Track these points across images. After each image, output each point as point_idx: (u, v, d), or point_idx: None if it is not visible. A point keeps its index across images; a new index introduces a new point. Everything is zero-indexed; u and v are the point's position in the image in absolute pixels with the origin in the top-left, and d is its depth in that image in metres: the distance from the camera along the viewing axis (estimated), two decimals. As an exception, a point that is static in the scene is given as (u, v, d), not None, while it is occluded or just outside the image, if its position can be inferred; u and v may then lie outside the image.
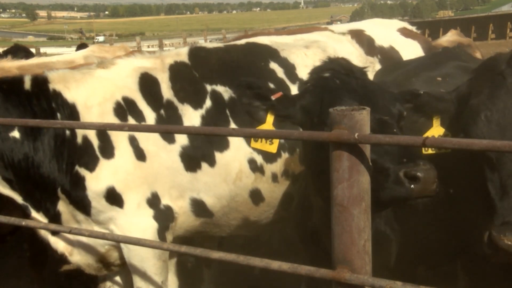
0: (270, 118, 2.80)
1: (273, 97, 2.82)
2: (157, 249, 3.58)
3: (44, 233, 3.82)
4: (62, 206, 3.66)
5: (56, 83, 3.72)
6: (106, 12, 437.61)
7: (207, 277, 5.06)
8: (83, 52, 7.71)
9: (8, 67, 5.83)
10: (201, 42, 37.90)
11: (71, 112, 3.65)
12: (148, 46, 38.04)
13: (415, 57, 5.46)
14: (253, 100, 2.80)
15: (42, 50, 26.98)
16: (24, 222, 3.20)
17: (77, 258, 3.83)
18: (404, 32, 5.82)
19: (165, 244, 2.86)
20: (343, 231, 2.12)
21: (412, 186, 2.32)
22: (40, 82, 3.71)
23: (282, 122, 2.82)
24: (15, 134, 3.55)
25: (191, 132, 3.51)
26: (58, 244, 3.81)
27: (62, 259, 3.90)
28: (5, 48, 10.01)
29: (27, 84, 3.69)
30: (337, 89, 2.71)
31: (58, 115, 3.64)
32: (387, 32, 5.66)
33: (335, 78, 2.79)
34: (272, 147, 2.82)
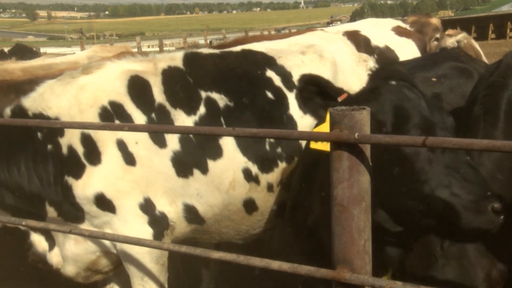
0: (329, 118, 2.77)
1: (339, 99, 2.77)
2: (156, 249, 3.56)
3: (42, 250, 3.81)
4: (49, 220, 3.62)
5: (34, 109, 3.64)
6: (106, 12, 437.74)
7: (205, 277, 5.06)
8: (86, 52, 7.71)
9: (11, 69, 5.82)
10: (201, 42, 37.91)
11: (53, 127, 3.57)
12: (148, 46, 38.04)
13: (411, 55, 5.47)
14: (316, 96, 2.76)
15: (42, 50, 26.96)
16: (24, 222, 3.20)
17: (67, 269, 3.80)
18: (399, 30, 5.84)
19: (165, 244, 2.85)
20: (343, 231, 2.12)
21: (498, 220, 2.58)
22: (18, 114, 3.65)
23: None
24: None
25: (191, 132, 3.47)
26: (52, 259, 3.81)
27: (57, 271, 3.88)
28: (9, 48, 10.01)
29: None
30: (411, 101, 2.75)
31: (39, 134, 3.59)
32: (382, 31, 5.67)
33: (404, 88, 2.77)
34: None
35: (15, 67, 5.90)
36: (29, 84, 5.45)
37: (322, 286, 3.00)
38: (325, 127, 2.75)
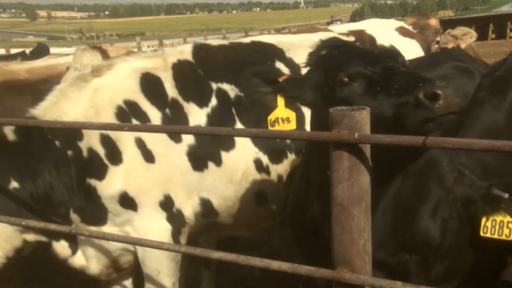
0: (281, 102, 2.76)
1: (280, 79, 2.78)
2: (158, 249, 3.56)
3: (67, 256, 3.81)
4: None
5: (49, 117, 3.59)
6: (106, 12, 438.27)
7: (206, 278, 5.05)
8: (88, 52, 7.67)
9: (16, 70, 5.82)
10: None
11: (71, 131, 3.56)
12: (148, 46, 37.94)
13: (415, 56, 5.46)
14: (260, 87, 2.77)
15: (42, 50, 26.89)
16: (24, 222, 3.20)
17: (91, 268, 3.81)
18: (402, 31, 5.83)
19: (165, 244, 2.84)
20: (343, 231, 2.12)
21: (436, 105, 2.31)
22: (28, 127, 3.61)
23: (293, 104, 2.76)
24: (14, 184, 3.52)
25: (191, 132, 3.48)
26: (76, 263, 3.81)
27: (80, 273, 3.90)
28: (31, 49, 10.02)
29: (10, 136, 3.61)
30: (338, 55, 2.71)
31: (57, 142, 3.57)
32: (386, 31, 5.67)
33: (333, 50, 2.76)
34: (291, 125, 2.79)
35: (20, 68, 5.90)
36: (44, 84, 5.47)
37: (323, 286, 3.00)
38: (279, 112, 2.76)
